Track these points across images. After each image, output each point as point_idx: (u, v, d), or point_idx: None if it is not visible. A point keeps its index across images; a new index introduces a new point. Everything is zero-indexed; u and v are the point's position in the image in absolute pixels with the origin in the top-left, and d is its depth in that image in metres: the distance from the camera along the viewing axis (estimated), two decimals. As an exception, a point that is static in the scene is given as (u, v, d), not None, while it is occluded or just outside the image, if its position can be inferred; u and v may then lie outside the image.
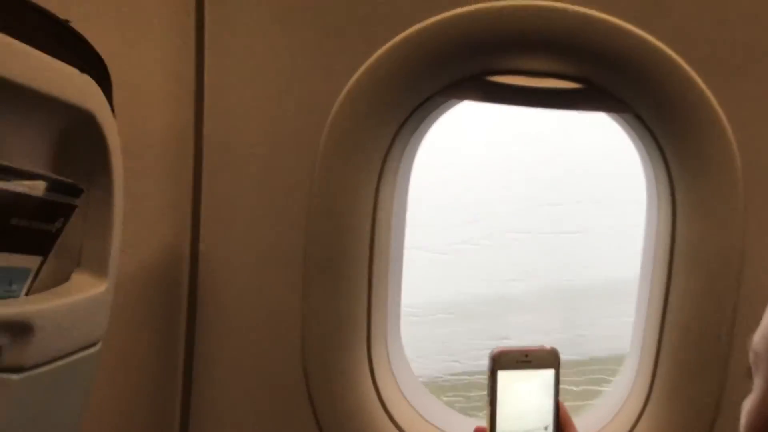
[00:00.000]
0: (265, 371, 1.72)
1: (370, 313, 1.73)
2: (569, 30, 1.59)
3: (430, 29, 1.59)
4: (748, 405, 0.95)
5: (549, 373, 1.23)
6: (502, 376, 1.21)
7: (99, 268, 1.11)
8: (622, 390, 1.84)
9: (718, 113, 1.59)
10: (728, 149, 1.61)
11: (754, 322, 0.97)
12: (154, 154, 1.62)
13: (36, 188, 0.93)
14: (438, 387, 2.63)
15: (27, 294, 0.99)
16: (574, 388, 2.62)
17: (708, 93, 1.59)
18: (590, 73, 1.65)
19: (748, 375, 0.97)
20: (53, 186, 0.96)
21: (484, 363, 1.22)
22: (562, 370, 1.24)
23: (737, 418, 0.96)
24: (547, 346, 1.24)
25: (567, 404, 1.27)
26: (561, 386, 1.25)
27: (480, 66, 1.65)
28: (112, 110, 1.10)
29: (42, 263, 1.01)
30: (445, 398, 2.48)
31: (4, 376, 0.92)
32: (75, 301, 1.05)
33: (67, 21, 1.03)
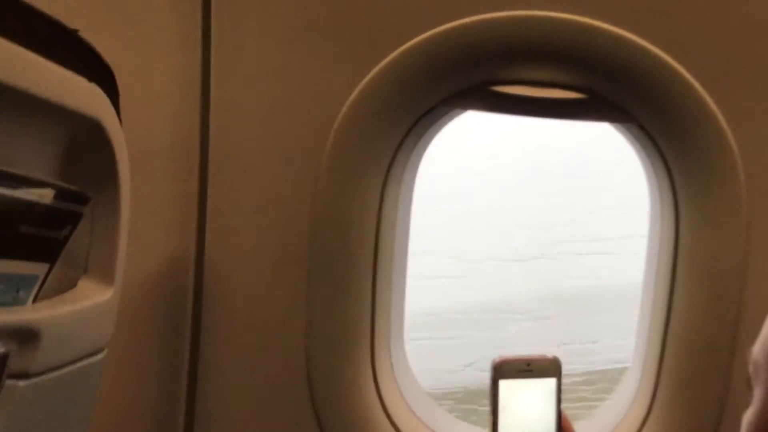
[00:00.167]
0: (269, 378, 1.72)
1: (374, 320, 1.73)
2: (573, 40, 1.59)
3: (434, 39, 1.60)
4: (747, 417, 0.95)
5: (551, 382, 1.23)
6: (504, 385, 1.21)
7: (105, 276, 1.12)
8: (624, 399, 1.84)
9: (722, 124, 1.60)
10: (731, 160, 1.61)
11: (757, 333, 0.98)
12: (161, 162, 1.62)
13: (44, 196, 0.94)
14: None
15: (34, 301, 1.00)
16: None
17: (712, 104, 1.59)
18: (594, 84, 1.65)
19: (748, 386, 0.97)
20: (61, 194, 0.97)
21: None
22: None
23: (740, 428, 0.96)
24: (549, 354, 1.24)
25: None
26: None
27: (484, 76, 1.65)
28: (120, 119, 1.10)
29: (49, 270, 1.02)
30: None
31: (11, 382, 0.93)
32: (81, 308, 1.05)
33: (75, 30, 1.03)
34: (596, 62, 1.60)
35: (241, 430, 1.73)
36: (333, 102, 1.63)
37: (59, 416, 1.08)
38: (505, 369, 1.21)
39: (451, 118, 1.78)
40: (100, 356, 1.13)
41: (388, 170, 1.69)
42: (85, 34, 1.05)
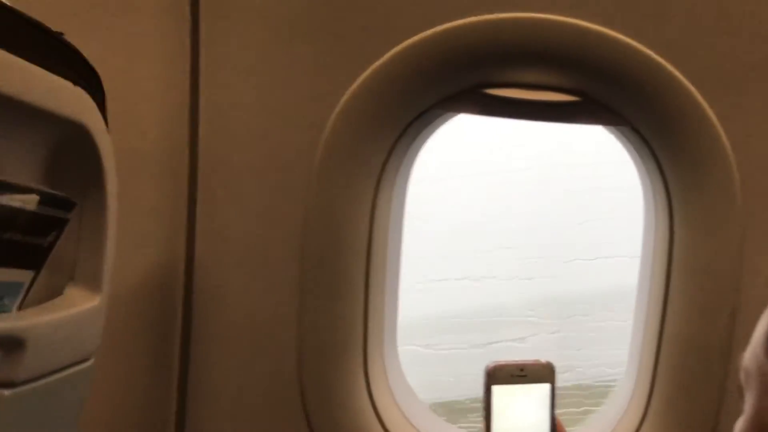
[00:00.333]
0: (260, 384, 1.71)
1: (367, 325, 1.72)
2: (566, 43, 1.59)
3: (427, 42, 1.59)
4: (739, 426, 0.94)
5: (545, 387, 1.23)
6: (498, 390, 1.20)
7: (92, 282, 1.11)
8: (619, 403, 1.83)
9: (716, 126, 1.59)
10: (726, 162, 1.61)
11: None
12: (149, 166, 1.61)
13: (28, 202, 0.93)
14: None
15: (19, 309, 0.99)
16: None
17: (705, 106, 1.59)
18: (587, 86, 1.65)
19: (740, 394, 0.96)
20: (46, 200, 0.96)
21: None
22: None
23: (734, 434, 0.95)
24: (543, 360, 1.24)
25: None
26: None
27: (476, 79, 1.65)
28: (106, 123, 1.09)
29: (34, 277, 1.00)
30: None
31: (-4, 391, 0.92)
32: (68, 316, 1.04)
33: (60, 33, 1.02)
34: (589, 65, 1.60)
35: (232, 434, 1.73)
36: (324, 105, 1.62)
37: (46, 425, 1.06)
38: (498, 374, 1.20)
39: (444, 122, 1.77)
40: (87, 364, 1.12)
41: (380, 174, 1.68)
42: (70, 37, 1.04)
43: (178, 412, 1.71)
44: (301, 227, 1.65)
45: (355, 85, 1.61)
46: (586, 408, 2.69)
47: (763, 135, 1.62)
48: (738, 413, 0.95)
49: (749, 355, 0.94)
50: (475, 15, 1.58)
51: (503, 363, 1.21)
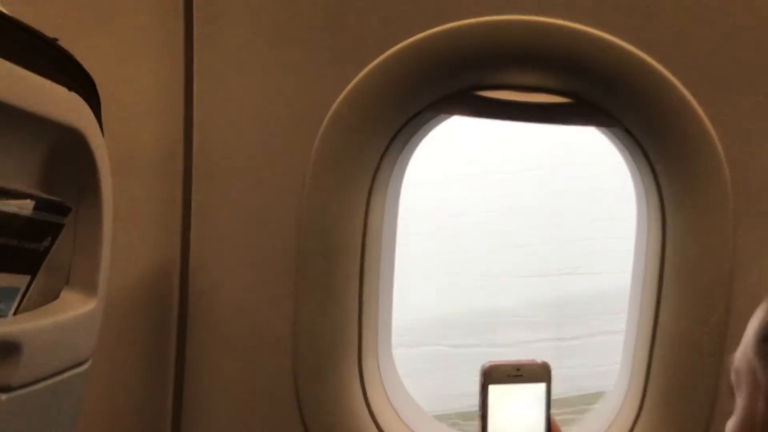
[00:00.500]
0: (255, 385, 1.71)
1: (362, 326, 1.72)
2: (558, 45, 1.59)
3: (419, 44, 1.59)
4: (730, 425, 0.94)
5: (541, 387, 1.23)
6: (494, 390, 1.20)
7: (88, 286, 1.11)
8: (613, 403, 1.83)
9: (708, 128, 1.60)
10: (717, 163, 1.61)
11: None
12: (144, 171, 1.62)
13: (24, 207, 0.93)
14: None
15: (15, 313, 0.99)
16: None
17: (698, 108, 1.59)
18: (579, 88, 1.65)
19: (731, 394, 0.96)
20: (41, 205, 0.96)
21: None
22: None
23: (728, 433, 0.96)
24: (539, 359, 1.24)
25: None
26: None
27: (469, 81, 1.65)
28: (101, 128, 1.10)
29: (30, 282, 1.00)
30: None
31: (-8, 396, 0.92)
32: (64, 320, 1.04)
33: (54, 39, 1.02)
34: (581, 67, 1.60)
35: (228, 437, 1.73)
36: (318, 106, 1.62)
37: (43, 429, 1.07)
38: (494, 374, 1.21)
39: (437, 123, 1.77)
40: (83, 368, 1.12)
41: (374, 176, 1.68)
42: (63, 41, 1.04)
43: (174, 414, 1.71)
44: (296, 229, 1.65)
45: (348, 88, 1.61)
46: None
47: (754, 135, 1.63)
48: (731, 412, 0.96)
49: (740, 355, 0.95)
50: (468, 18, 1.58)
51: (499, 363, 1.22)
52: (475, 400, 1.21)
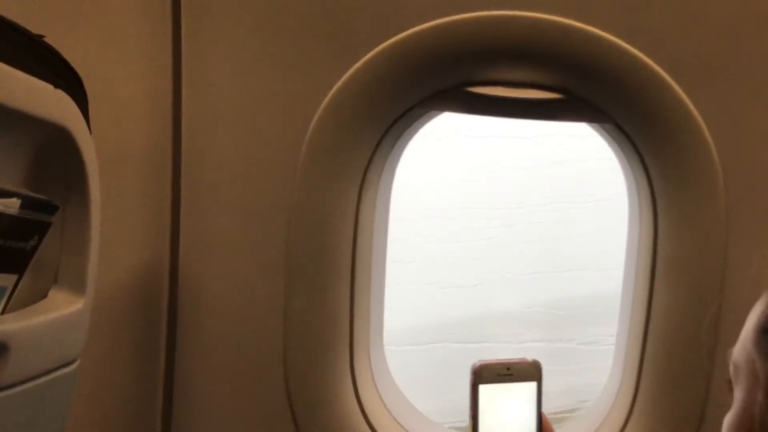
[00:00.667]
0: (246, 382, 1.71)
1: (353, 322, 1.72)
2: (549, 40, 1.59)
3: (410, 40, 1.59)
4: (728, 419, 0.94)
5: (531, 386, 1.23)
6: (484, 389, 1.20)
7: (76, 285, 1.10)
8: (606, 400, 1.84)
9: (699, 123, 1.60)
10: (709, 159, 1.61)
11: (737, 333, 0.97)
12: (132, 168, 1.61)
13: (10, 206, 0.92)
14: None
15: (3, 312, 0.98)
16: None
17: (688, 102, 1.59)
18: (570, 84, 1.65)
19: (729, 388, 0.96)
20: (28, 203, 0.95)
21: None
22: None
23: (721, 429, 0.96)
24: (529, 358, 1.23)
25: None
26: None
27: (460, 77, 1.65)
28: (88, 125, 1.09)
29: (18, 281, 1.00)
30: None
31: (-21, 396, 0.92)
32: (52, 319, 1.04)
33: (41, 36, 1.02)
34: (572, 62, 1.60)
35: (218, 436, 1.72)
36: (309, 103, 1.62)
37: (31, 429, 1.06)
38: (485, 373, 1.20)
39: (428, 120, 1.77)
40: (72, 367, 1.11)
41: (365, 172, 1.68)
42: (50, 38, 1.03)
43: (163, 412, 1.71)
44: (286, 226, 1.65)
45: (339, 84, 1.61)
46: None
47: (745, 130, 1.63)
48: (725, 408, 0.96)
49: (738, 349, 0.94)
50: (458, 13, 1.58)
51: (489, 362, 1.21)
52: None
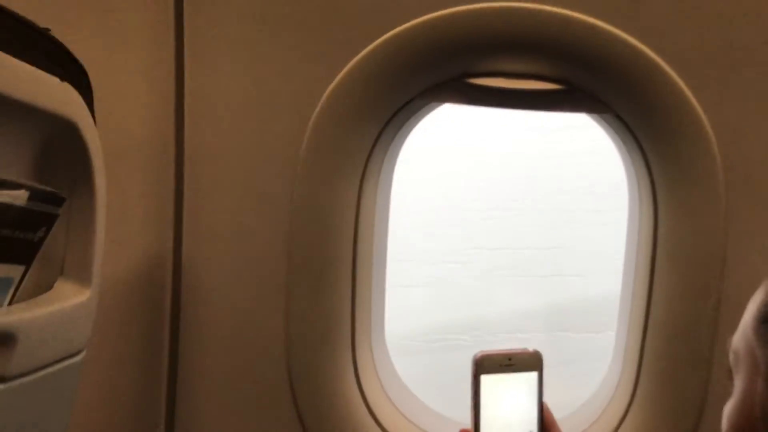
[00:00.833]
0: (249, 375, 1.72)
1: (354, 315, 1.72)
2: (549, 31, 1.59)
3: (410, 32, 1.59)
4: (728, 408, 0.95)
5: (532, 376, 1.23)
6: (486, 380, 1.20)
7: (82, 277, 1.11)
8: (606, 391, 1.84)
9: (699, 114, 1.60)
10: (708, 148, 1.61)
11: (737, 323, 0.98)
12: (136, 161, 1.61)
13: (18, 198, 0.93)
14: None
15: (10, 303, 0.99)
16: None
17: (689, 94, 1.59)
18: (570, 75, 1.65)
19: (729, 377, 0.97)
20: (35, 195, 0.96)
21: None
22: None
23: (721, 419, 0.96)
24: (530, 348, 1.24)
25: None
26: None
27: (460, 68, 1.65)
28: (93, 118, 1.09)
29: (25, 272, 1.00)
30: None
31: (-13, 386, 0.92)
32: (58, 310, 1.04)
33: (47, 29, 1.02)
34: (572, 53, 1.61)
35: (222, 428, 1.73)
36: (310, 95, 1.62)
37: (38, 419, 1.07)
38: (486, 364, 1.21)
39: (428, 112, 1.78)
40: (78, 358, 1.12)
41: (366, 164, 1.68)
42: (58, 34, 1.03)
43: (168, 404, 1.71)
44: (289, 217, 1.65)
45: (340, 76, 1.61)
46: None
47: (745, 121, 1.63)
48: (724, 397, 0.97)
49: (739, 337, 0.95)
50: (459, 5, 1.58)
51: (491, 352, 1.22)
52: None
